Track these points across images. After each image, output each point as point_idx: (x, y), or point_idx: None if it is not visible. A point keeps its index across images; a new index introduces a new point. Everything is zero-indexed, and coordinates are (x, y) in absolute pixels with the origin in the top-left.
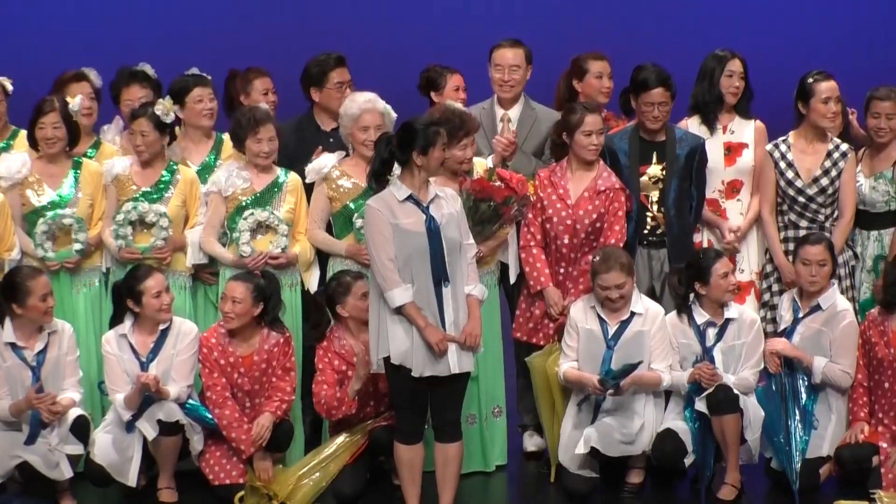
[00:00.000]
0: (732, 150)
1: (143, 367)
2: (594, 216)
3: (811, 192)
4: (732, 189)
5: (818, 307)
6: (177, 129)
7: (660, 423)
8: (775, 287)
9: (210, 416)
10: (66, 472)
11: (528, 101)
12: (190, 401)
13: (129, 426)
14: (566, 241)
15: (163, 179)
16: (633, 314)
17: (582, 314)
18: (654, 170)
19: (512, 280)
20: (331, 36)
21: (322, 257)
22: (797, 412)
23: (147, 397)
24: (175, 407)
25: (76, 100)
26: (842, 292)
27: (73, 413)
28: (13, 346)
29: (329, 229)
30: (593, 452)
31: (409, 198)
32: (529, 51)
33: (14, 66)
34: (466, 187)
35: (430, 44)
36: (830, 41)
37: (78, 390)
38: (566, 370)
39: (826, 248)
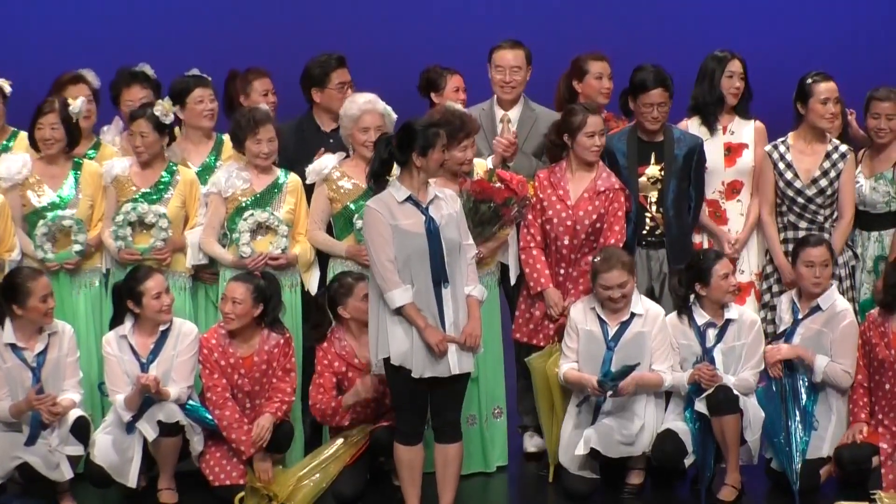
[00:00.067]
0: (732, 151)
1: (144, 368)
2: (594, 217)
3: (810, 192)
4: (732, 190)
5: (818, 308)
6: (177, 129)
7: (660, 424)
8: (775, 288)
9: (210, 416)
10: (67, 473)
11: (527, 102)
12: (190, 402)
13: (130, 427)
14: (566, 241)
15: (162, 180)
16: (633, 315)
17: (582, 315)
18: (653, 170)
19: (512, 281)
20: (331, 36)
21: (322, 258)
22: (797, 413)
23: (147, 398)
24: (175, 408)
25: (78, 102)
26: (842, 293)
27: (74, 414)
28: (13, 347)
29: (329, 230)
30: (593, 453)
31: (409, 199)
32: (529, 52)
33: (14, 67)
34: (466, 188)
35: (430, 44)
36: (830, 41)
37: (78, 391)
38: (566, 371)
39: (827, 248)
